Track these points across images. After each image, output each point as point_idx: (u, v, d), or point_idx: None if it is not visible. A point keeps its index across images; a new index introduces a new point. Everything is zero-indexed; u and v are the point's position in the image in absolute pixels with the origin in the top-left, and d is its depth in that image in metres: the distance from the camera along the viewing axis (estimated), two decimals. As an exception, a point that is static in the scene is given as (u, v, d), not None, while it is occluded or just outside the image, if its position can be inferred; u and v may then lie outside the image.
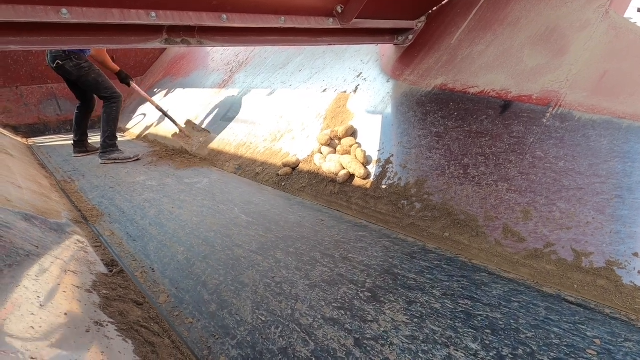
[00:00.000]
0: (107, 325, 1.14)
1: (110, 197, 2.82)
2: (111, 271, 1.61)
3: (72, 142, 4.37)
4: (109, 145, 3.93)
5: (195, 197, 2.70)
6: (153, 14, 1.79)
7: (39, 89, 6.03)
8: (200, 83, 5.02)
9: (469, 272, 1.54)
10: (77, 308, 1.17)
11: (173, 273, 1.74)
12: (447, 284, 1.48)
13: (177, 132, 4.08)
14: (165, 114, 4.27)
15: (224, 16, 1.95)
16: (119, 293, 1.39)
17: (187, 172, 3.36)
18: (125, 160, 3.88)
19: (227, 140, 3.67)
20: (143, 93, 4.31)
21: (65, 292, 1.23)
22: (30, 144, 5.22)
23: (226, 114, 4.02)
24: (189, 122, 4.17)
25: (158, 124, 5.05)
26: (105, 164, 3.83)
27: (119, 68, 4.08)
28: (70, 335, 1.01)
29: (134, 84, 4.19)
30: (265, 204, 2.47)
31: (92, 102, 4.24)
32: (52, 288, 1.22)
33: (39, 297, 1.13)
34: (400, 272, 1.58)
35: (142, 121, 5.56)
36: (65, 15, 1.60)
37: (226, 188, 2.85)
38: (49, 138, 5.63)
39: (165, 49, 6.86)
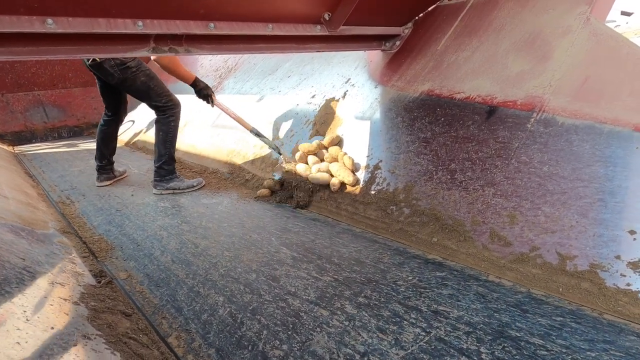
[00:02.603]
0: (94, 338, 1.13)
1: (118, 224, 2.44)
2: (99, 282, 1.60)
3: (96, 167, 3.36)
4: (167, 172, 3.01)
5: (220, 222, 2.32)
6: (140, 23, 1.79)
7: (25, 96, 5.97)
8: (189, 90, 5.00)
9: (609, 335, 1.17)
10: (64, 321, 1.16)
11: (218, 339, 1.33)
12: (591, 354, 1.11)
13: (284, 160, 2.81)
14: (262, 138, 2.97)
15: (212, 24, 1.96)
16: (108, 304, 1.38)
17: (200, 189, 3.00)
18: (187, 190, 3.02)
19: (218, 146, 3.66)
20: (231, 111, 3.03)
21: (52, 305, 1.22)
22: (16, 152, 5.16)
23: (215, 120, 4.02)
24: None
25: (147, 130, 5.02)
26: (161, 194, 3.00)
27: (194, 76, 2.97)
28: (57, 350, 1.01)
29: (217, 100, 3.02)
30: (305, 231, 2.12)
31: (124, 113, 3.36)
32: (38, 301, 1.21)
33: (25, 311, 1.13)
34: (518, 334, 1.20)
35: (131, 127, 5.52)
36: (51, 25, 1.59)
37: (253, 210, 2.48)
38: (36, 146, 5.57)
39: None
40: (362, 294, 1.50)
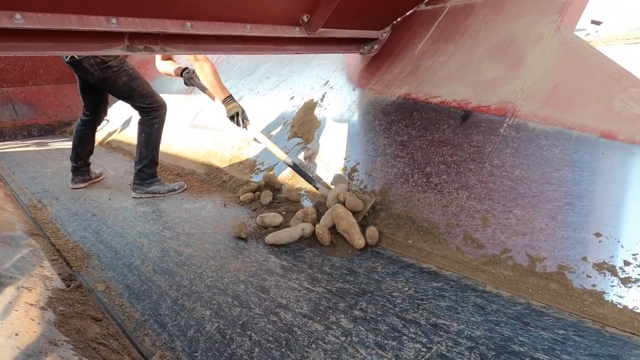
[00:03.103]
0: (62, 344, 1.10)
1: (95, 230, 2.28)
2: (69, 286, 1.56)
3: (71, 168, 3.18)
4: (148, 175, 2.88)
5: (204, 229, 2.20)
6: (114, 20, 1.75)
7: (-7, 93, 5.76)
8: (166, 88, 4.92)
9: (614, 349, 1.15)
10: (30, 327, 1.12)
11: (206, 357, 1.26)
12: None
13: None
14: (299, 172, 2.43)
15: (189, 24, 1.93)
16: (77, 309, 1.34)
17: (183, 193, 2.87)
18: (168, 194, 2.89)
19: (195, 147, 3.61)
20: (265, 139, 2.63)
21: (17, 310, 1.18)
22: (-17, 150, 4.97)
23: (192, 120, 3.97)
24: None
25: (122, 129, 4.92)
26: (140, 198, 2.86)
27: (229, 93, 2.75)
28: (22, 357, 0.97)
29: (250, 127, 2.70)
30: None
31: (104, 113, 3.20)
32: (3, 307, 1.17)
33: (-12, 316, 1.08)
34: (522, 349, 1.17)
35: (105, 125, 5.39)
36: (19, 20, 1.54)
37: (238, 216, 2.37)
38: (5, 144, 5.37)
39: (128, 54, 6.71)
40: (358, 307, 1.43)
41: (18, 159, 4.38)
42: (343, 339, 1.29)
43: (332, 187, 2.25)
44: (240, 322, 1.40)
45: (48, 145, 5.12)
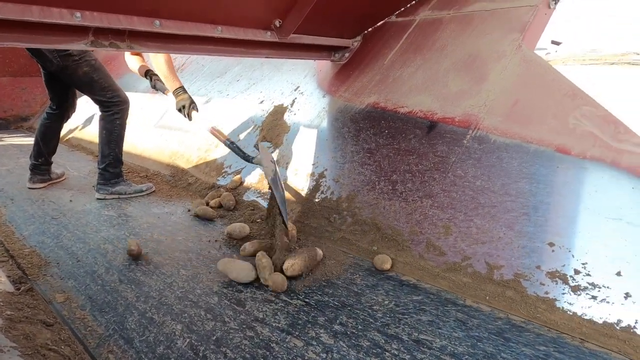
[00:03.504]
0: (8, 350, 1.04)
1: (54, 234, 2.13)
2: (18, 289, 1.48)
3: (30, 165, 2.96)
4: (113, 175, 2.75)
5: (174, 235, 2.10)
6: (78, 14, 1.69)
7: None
8: (133, 86, 4.79)
9: None
10: (-27, 332, 1.06)
11: None
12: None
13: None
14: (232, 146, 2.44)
15: (157, 22, 1.90)
16: (26, 313, 1.28)
17: (151, 197, 2.74)
18: (134, 195, 2.76)
19: (161, 147, 3.53)
20: (210, 126, 2.54)
21: (-40, 314, 1.11)
22: None
23: (159, 120, 3.87)
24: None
25: (84, 127, 4.74)
26: (104, 198, 2.72)
27: (180, 84, 2.60)
28: (-37, 363, 0.91)
29: (196, 116, 2.59)
30: None
31: (72, 108, 2.99)
32: (-57, 310, 1.10)
33: None
34: None
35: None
36: (-25, 9, 1.47)
37: (210, 222, 2.29)
38: (-46, 138, 5.06)
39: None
40: (338, 321, 1.39)
41: None
42: (324, 355, 1.25)
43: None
44: (214, 338, 1.33)
45: (2, 141, 4.86)
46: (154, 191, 2.86)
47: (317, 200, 2.21)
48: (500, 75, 1.92)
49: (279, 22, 2.24)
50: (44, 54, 2.54)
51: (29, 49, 2.55)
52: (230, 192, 2.52)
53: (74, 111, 3.05)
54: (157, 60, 2.54)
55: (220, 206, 2.48)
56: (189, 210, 2.44)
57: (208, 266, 1.80)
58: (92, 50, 3.00)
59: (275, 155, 2.62)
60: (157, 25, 1.90)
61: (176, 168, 3.16)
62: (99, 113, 2.78)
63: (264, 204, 2.39)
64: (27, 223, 2.29)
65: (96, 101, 2.75)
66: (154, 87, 2.80)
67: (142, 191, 2.80)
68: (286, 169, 2.50)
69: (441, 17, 2.38)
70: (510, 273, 1.49)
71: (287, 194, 2.35)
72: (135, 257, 1.85)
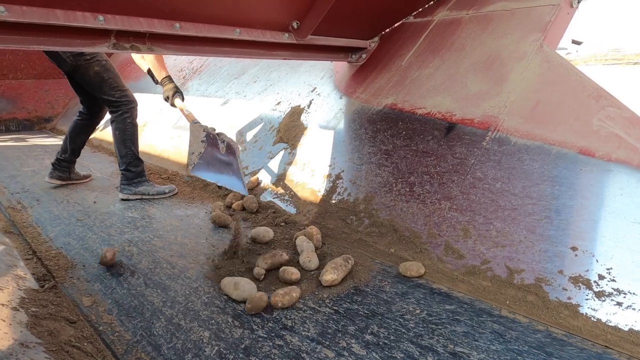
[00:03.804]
0: (34, 346, 1.07)
1: (79, 236, 2.12)
2: (42, 286, 1.51)
3: (53, 160, 3.02)
4: (135, 174, 2.79)
5: (198, 238, 2.08)
6: (101, 17, 1.73)
7: (-30, 85, 5.60)
8: (151, 88, 4.85)
9: None
10: (1, 328, 1.08)
11: None
12: None
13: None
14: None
15: (177, 25, 1.92)
16: (50, 310, 1.31)
17: (173, 199, 2.71)
18: (157, 197, 2.79)
19: (178, 148, 3.57)
20: (186, 111, 2.64)
21: (-13, 310, 1.14)
22: (-43, 144, 4.82)
23: (177, 122, 3.92)
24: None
25: (104, 128, 4.83)
26: (127, 199, 2.76)
27: (167, 74, 2.73)
28: (-10, 358, 0.94)
29: (181, 104, 2.65)
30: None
31: (102, 111, 3.04)
32: (-28, 306, 1.13)
33: (-44, 316, 1.04)
34: None
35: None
36: (3, 13, 1.51)
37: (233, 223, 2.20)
38: (-20, 138, 5.22)
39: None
40: (369, 331, 1.34)
41: None
42: (356, 368, 1.19)
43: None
44: (242, 346, 1.28)
45: (26, 141, 5.00)
46: (176, 193, 2.87)
47: (333, 201, 2.21)
48: (521, 76, 1.89)
49: (297, 23, 2.25)
50: (59, 55, 2.63)
51: (46, 53, 2.64)
52: (253, 196, 2.50)
53: (104, 115, 3.09)
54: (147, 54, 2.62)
55: (243, 209, 2.46)
56: (211, 213, 2.40)
57: (233, 270, 1.75)
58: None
59: (292, 157, 2.63)
60: (177, 28, 1.93)
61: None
62: (110, 116, 2.84)
63: (282, 205, 2.40)
64: (53, 224, 2.29)
65: (105, 101, 2.80)
66: (155, 81, 2.84)
67: (164, 192, 2.81)
68: (303, 170, 2.50)
69: (460, 17, 2.36)
70: (531, 277, 1.46)
71: (303, 195, 2.35)
72: (108, 265, 1.79)
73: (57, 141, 4.42)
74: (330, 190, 2.27)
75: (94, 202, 2.68)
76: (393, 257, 1.81)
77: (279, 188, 2.52)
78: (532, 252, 1.50)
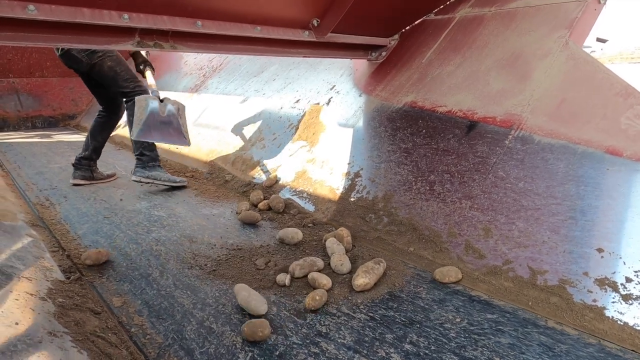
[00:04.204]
0: (61, 335, 1.10)
1: (107, 234, 2.12)
2: (68, 278, 1.55)
3: (74, 160, 3.09)
4: (150, 158, 2.89)
5: (226, 239, 2.04)
6: (125, 15, 1.76)
7: (-1, 83, 5.77)
8: (172, 86, 4.94)
9: None
10: (30, 317, 1.12)
11: None
12: None
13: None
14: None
15: (199, 22, 1.95)
16: (76, 301, 1.34)
17: (198, 198, 2.71)
18: (167, 184, 2.88)
19: (199, 145, 3.62)
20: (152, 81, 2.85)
21: (17, 300, 1.18)
22: (-14, 139, 4.98)
23: (197, 119, 3.97)
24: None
25: (125, 125, 4.92)
26: (139, 181, 2.87)
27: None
28: (22, 346, 0.97)
29: (150, 76, 2.82)
30: (322, 252, 1.89)
31: (120, 109, 3.13)
32: (2, 295, 1.17)
33: (-12, 305, 1.08)
34: None
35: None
36: (32, 11, 1.55)
37: (260, 225, 2.22)
38: (8, 135, 5.38)
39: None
40: (407, 339, 1.27)
41: (24, 152, 4.25)
42: (394, 379, 1.13)
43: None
44: (277, 353, 1.23)
45: (52, 138, 5.13)
46: (185, 186, 2.94)
47: (352, 199, 2.20)
48: (546, 74, 1.85)
49: (317, 21, 2.26)
50: (74, 56, 2.74)
51: (61, 56, 2.79)
52: (278, 195, 2.48)
53: (122, 113, 3.17)
54: None
55: (269, 208, 2.42)
56: (237, 213, 2.40)
57: (263, 274, 1.71)
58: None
59: (310, 154, 2.64)
60: (199, 26, 1.95)
61: (214, 166, 3.23)
62: (126, 109, 2.93)
63: (301, 202, 2.41)
64: (80, 222, 2.30)
65: (121, 94, 2.88)
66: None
67: (175, 181, 2.89)
68: (321, 167, 2.50)
69: (482, 14, 2.32)
70: (555, 279, 1.43)
71: (322, 193, 2.36)
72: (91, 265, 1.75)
73: (82, 138, 4.52)
74: (349, 188, 2.26)
75: (120, 200, 2.69)
76: (412, 255, 1.80)
77: (298, 185, 2.53)
78: (556, 253, 1.47)
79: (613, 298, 1.31)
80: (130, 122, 2.83)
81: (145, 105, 2.31)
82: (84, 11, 1.67)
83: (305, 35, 2.29)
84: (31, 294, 1.26)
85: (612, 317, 1.28)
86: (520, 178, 1.69)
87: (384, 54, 2.75)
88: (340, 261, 1.71)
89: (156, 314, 1.43)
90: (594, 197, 1.49)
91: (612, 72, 1.70)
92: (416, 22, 2.68)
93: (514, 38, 2.09)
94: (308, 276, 1.62)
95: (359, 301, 1.49)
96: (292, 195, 2.50)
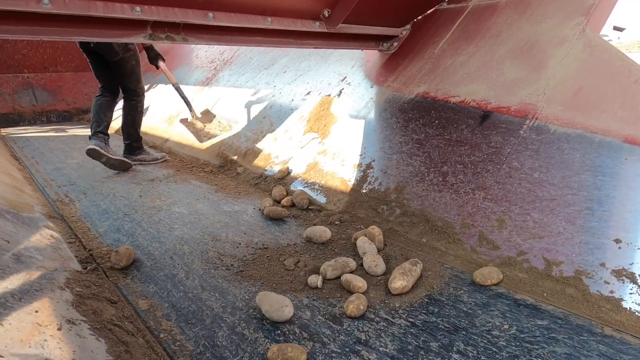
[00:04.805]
0: (79, 323, 1.12)
1: (129, 232, 2.07)
2: (85, 268, 1.58)
3: (90, 134, 3.24)
4: (135, 148, 3.49)
5: (251, 237, 1.98)
6: (138, 8, 1.77)
7: (14, 78, 5.85)
8: (184, 79, 4.96)
9: None
10: (49, 305, 1.14)
11: None
12: None
13: (190, 119, 3.62)
14: (180, 93, 3.75)
15: (210, 14, 1.95)
16: (93, 291, 1.37)
17: (219, 194, 2.65)
18: (152, 162, 3.42)
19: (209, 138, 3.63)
20: (166, 70, 3.70)
21: (37, 289, 1.21)
22: (3, 134, 5.07)
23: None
24: (207, 112, 3.71)
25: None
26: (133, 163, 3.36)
27: (150, 43, 3.46)
28: (41, 333, 0.99)
29: (163, 65, 3.60)
30: (351, 251, 1.83)
31: (119, 92, 3.43)
32: (23, 284, 1.19)
33: (8, 293, 1.11)
34: None
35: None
36: (46, 5, 1.57)
37: (285, 223, 2.15)
38: (24, 129, 5.47)
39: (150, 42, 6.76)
40: (454, 348, 1.19)
41: (41, 147, 4.23)
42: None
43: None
44: None
45: (67, 132, 5.20)
46: (166, 160, 3.52)
47: (364, 190, 2.20)
48: (562, 62, 1.82)
49: (328, 11, 2.24)
50: (111, 46, 3.05)
51: (97, 43, 3.01)
52: (303, 191, 2.41)
53: (118, 95, 3.50)
54: None
55: (292, 205, 2.35)
56: (259, 209, 2.34)
57: (292, 274, 1.64)
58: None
59: (322, 146, 2.63)
60: (210, 18, 1.95)
61: (225, 158, 3.24)
62: (123, 102, 3.41)
63: (312, 194, 2.41)
64: (101, 219, 2.26)
65: (128, 90, 3.33)
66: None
67: (157, 159, 3.48)
68: (333, 159, 2.50)
69: (495, 2, 2.28)
70: (570, 270, 1.41)
71: (334, 184, 2.36)
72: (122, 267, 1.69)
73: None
74: (361, 180, 2.26)
75: (140, 196, 2.64)
76: (425, 247, 1.79)
77: (309, 177, 2.53)
78: (572, 243, 1.45)
79: (631, 289, 1.29)
80: (128, 119, 3.41)
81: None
82: (97, 4, 1.68)
83: (316, 26, 2.28)
84: (50, 284, 1.29)
85: (630, 308, 1.26)
86: (535, 168, 1.67)
87: (395, 44, 2.72)
88: (374, 262, 1.62)
89: (185, 318, 1.37)
90: (611, 187, 1.46)
91: (630, 59, 1.66)
92: (428, 12, 2.65)
93: (528, 26, 2.05)
94: (341, 278, 1.54)
95: (397, 305, 1.41)
96: (304, 187, 2.50)
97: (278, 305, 1.33)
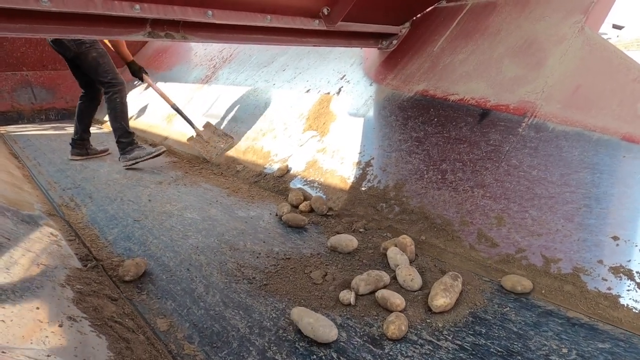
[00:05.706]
0: (80, 320, 1.12)
1: (140, 240, 1.94)
2: (85, 265, 1.59)
3: (70, 141, 3.51)
4: (126, 144, 3.31)
5: (270, 246, 1.85)
6: (137, 6, 1.77)
7: (12, 76, 5.84)
8: (182, 78, 4.96)
9: None
10: (50, 302, 1.15)
11: None
12: None
13: (194, 136, 3.39)
14: (180, 113, 3.55)
15: (210, 12, 1.95)
16: (93, 288, 1.37)
17: (231, 197, 2.53)
18: (148, 157, 3.28)
19: (208, 136, 3.63)
20: (156, 87, 3.68)
21: (37, 285, 1.21)
22: (2, 132, 5.06)
23: (208, 110, 3.99)
24: (208, 125, 3.47)
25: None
26: (130, 168, 3.26)
27: (132, 57, 3.50)
28: (43, 330, 1.00)
29: (147, 78, 3.58)
30: (379, 262, 1.70)
31: (98, 94, 3.56)
32: (23, 281, 1.20)
33: (9, 290, 1.11)
34: None
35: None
36: (46, 3, 1.57)
37: (305, 230, 2.03)
38: (23, 127, 5.46)
39: (147, 42, 6.74)
40: None
41: (43, 147, 4.14)
42: None
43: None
44: None
45: (66, 130, 5.19)
46: (163, 151, 3.36)
47: (363, 188, 2.20)
48: (560, 60, 1.83)
49: (327, 9, 2.24)
50: (64, 44, 3.12)
51: (52, 43, 3.16)
52: (320, 196, 2.31)
53: (102, 95, 3.55)
54: (111, 43, 3.44)
55: (311, 210, 2.24)
56: (276, 215, 2.22)
57: (320, 289, 1.52)
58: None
59: (321, 144, 2.64)
60: (210, 16, 1.95)
61: (225, 156, 3.25)
62: (104, 96, 3.39)
63: (312, 192, 2.41)
64: (109, 225, 2.13)
65: (99, 82, 3.35)
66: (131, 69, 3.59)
67: (152, 153, 3.30)
68: (332, 157, 2.50)
69: (494, 0, 2.28)
70: (568, 267, 1.42)
71: (333, 182, 2.36)
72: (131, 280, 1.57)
73: (95, 130, 4.53)
74: (360, 178, 2.26)
75: (149, 201, 2.52)
76: (424, 244, 1.80)
77: (309, 175, 2.54)
78: (570, 241, 1.46)
79: (628, 286, 1.30)
80: (110, 113, 3.36)
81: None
82: (96, 2, 1.68)
83: (315, 24, 2.28)
84: (50, 281, 1.29)
85: (627, 305, 1.27)
86: (533, 166, 1.68)
87: (394, 42, 2.72)
88: (410, 275, 1.49)
89: (209, 340, 1.24)
90: (609, 185, 1.47)
91: (629, 57, 1.67)
92: (427, 10, 2.65)
93: (527, 24, 2.05)
94: (377, 294, 1.41)
95: (440, 325, 1.29)
96: (303, 185, 2.50)
97: (325, 322, 1.23)
